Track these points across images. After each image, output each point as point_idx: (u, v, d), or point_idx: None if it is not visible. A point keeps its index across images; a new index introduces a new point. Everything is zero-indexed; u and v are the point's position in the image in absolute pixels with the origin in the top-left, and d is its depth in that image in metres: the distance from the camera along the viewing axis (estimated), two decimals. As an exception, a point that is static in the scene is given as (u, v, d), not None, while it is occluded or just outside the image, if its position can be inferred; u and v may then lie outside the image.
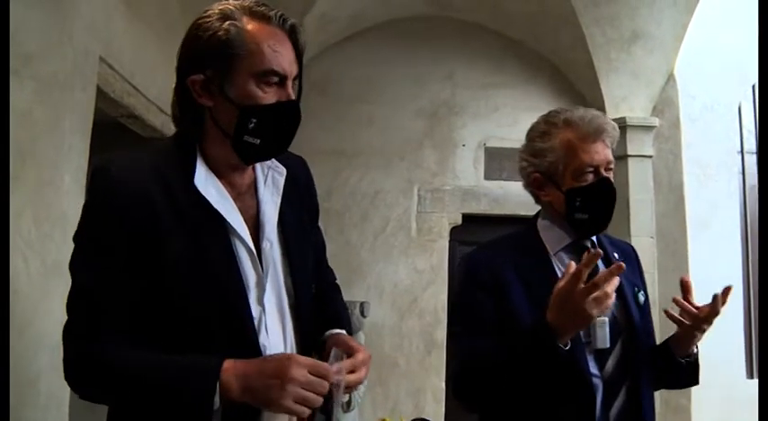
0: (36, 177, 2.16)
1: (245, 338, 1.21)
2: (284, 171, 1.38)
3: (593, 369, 1.58)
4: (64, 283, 2.28)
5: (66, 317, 1.25)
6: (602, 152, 1.64)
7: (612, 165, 1.67)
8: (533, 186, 1.76)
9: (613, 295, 1.40)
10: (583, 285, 1.38)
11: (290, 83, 1.25)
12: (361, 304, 4.49)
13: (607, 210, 1.66)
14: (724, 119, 5.28)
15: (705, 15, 4.90)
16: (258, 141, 1.24)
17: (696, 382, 1.76)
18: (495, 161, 5.38)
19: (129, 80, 2.91)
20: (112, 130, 3.16)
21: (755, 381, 4.82)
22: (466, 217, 5.36)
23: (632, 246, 1.90)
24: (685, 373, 1.73)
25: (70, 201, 2.39)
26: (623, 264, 1.40)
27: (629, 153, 5.15)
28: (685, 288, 1.71)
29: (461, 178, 5.40)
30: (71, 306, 1.23)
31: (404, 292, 5.18)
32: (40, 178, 2.19)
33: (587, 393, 1.55)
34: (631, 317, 1.66)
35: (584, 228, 1.68)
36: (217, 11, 1.25)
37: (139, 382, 1.15)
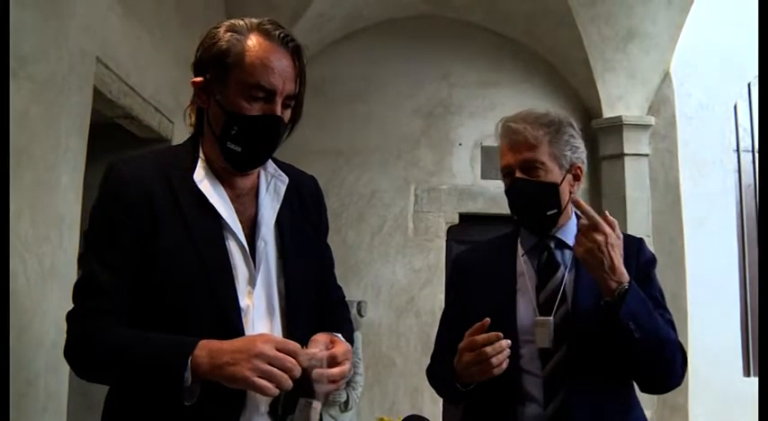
0: (33, 178, 2.16)
1: (231, 330, 1.25)
2: (286, 179, 1.43)
3: (534, 368, 1.63)
4: (61, 285, 2.29)
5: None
6: (517, 155, 1.68)
7: (539, 163, 1.67)
8: None
9: (501, 366, 1.51)
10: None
11: (278, 99, 1.30)
12: (358, 303, 4.50)
13: (518, 211, 1.74)
14: (720, 117, 5.30)
15: (700, 14, 4.92)
16: (239, 149, 1.31)
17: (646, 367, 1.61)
18: (492, 160, 5.38)
19: (126, 80, 2.91)
20: (109, 131, 3.16)
21: (752, 380, 4.84)
22: (462, 216, 5.37)
23: (638, 240, 1.79)
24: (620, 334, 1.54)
25: (67, 202, 2.39)
26: (508, 342, 1.51)
27: (626, 152, 5.17)
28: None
29: (458, 177, 5.40)
30: (75, 293, 1.30)
31: (401, 292, 5.19)
32: (37, 179, 2.19)
33: (510, 388, 1.63)
34: (585, 322, 1.62)
35: (527, 228, 1.78)
36: (228, 23, 1.34)
37: (122, 357, 1.21)
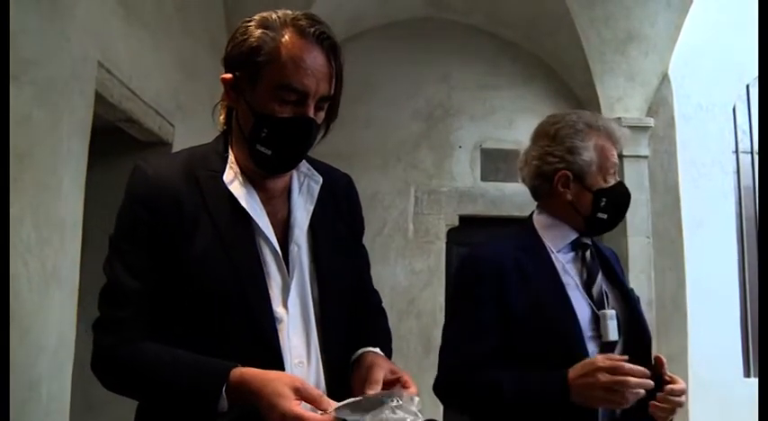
0: (35, 182, 2.16)
1: (265, 339, 1.20)
2: (320, 179, 1.37)
3: None
4: (63, 288, 2.30)
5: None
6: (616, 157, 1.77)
7: None
8: (558, 182, 1.74)
9: (635, 396, 1.46)
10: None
11: (311, 102, 1.22)
12: (359, 306, 4.49)
13: (624, 212, 1.79)
14: (718, 119, 5.31)
15: (699, 16, 4.93)
16: (270, 152, 1.23)
17: None
18: (492, 162, 5.40)
19: (127, 84, 2.91)
20: (111, 135, 3.17)
21: (753, 380, 4.85)
22: (462, 218, 5.37)
23: (613, 251, 1.95)
24: None
25: (69, 206, 2.40)
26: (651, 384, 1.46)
27: (625, 153, 5.16)
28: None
29: (458, 180, 5.41)
30: (100, 301, 1.25)
31: (401, 294, 5.20)
32: (39, 183, 2.20)
33: None
34: (633, 312, 1.71)
35: (601, 227, 1.76)
36: (260, 17, 1.26)
37: (152, 378, 1.17)
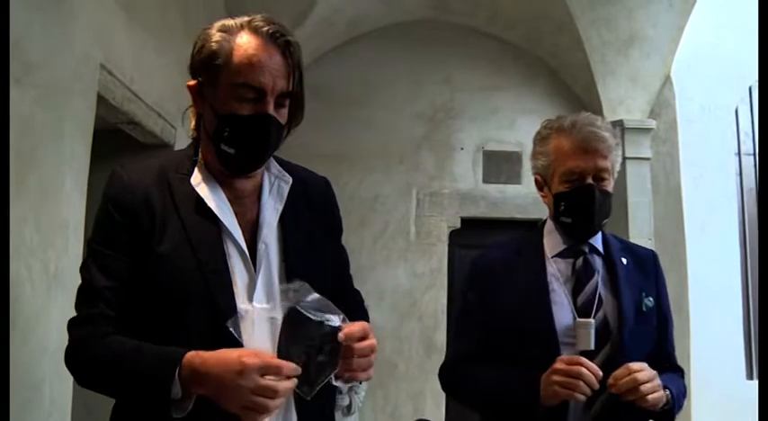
0: (37, 184, 2.17)
1: (227, 335, 1.20)
2: (290, 180, 1.40)
3: None
4: (65, 290, 2.30)
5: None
6: (592, 161, 1.67)
7: (607, 174, 1.70)
8: (536, 187, 1.83)
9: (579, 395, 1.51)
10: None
11: (269, 99, 1.27)
12: (361, 308, 4.48)
13: (586, 216, 1.70)
14: (721, 121, 5.31)
15: (701, 18, 4.92)
16: (233, 151, 1.29)
17: None
18: (494, 164, 5.40)
19: (129, 87, 2.92)
20: (113, 137, 3.17)
21: (755, 382, 4.83)
22: (464, 220, 5.38)
23: (653, 252, 1.89)
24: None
25: (71, 208, 2.40)
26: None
27: (627, 155, 5.16)
28: None
29: (460, 181, 5.41)
30: (76, 301, 1.30)
31: (403, 296, 5.20)
32: (42, 185, 2.20)
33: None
34: (624, 323, 1.66)
35: (569, 231, 1.75)
36: (220, 23, 1.32)
37: (115, 368, 1.20)
